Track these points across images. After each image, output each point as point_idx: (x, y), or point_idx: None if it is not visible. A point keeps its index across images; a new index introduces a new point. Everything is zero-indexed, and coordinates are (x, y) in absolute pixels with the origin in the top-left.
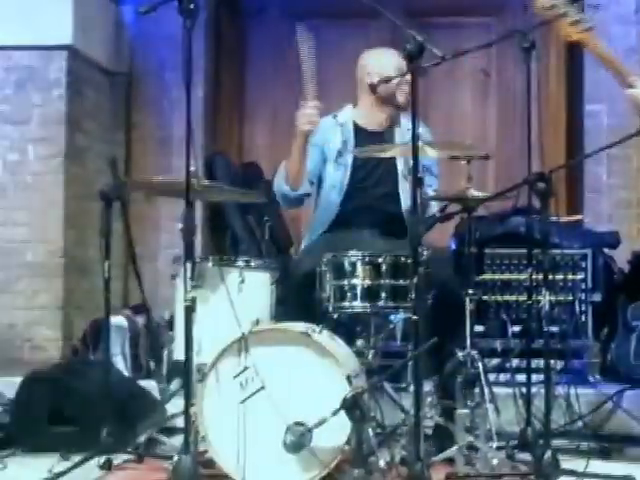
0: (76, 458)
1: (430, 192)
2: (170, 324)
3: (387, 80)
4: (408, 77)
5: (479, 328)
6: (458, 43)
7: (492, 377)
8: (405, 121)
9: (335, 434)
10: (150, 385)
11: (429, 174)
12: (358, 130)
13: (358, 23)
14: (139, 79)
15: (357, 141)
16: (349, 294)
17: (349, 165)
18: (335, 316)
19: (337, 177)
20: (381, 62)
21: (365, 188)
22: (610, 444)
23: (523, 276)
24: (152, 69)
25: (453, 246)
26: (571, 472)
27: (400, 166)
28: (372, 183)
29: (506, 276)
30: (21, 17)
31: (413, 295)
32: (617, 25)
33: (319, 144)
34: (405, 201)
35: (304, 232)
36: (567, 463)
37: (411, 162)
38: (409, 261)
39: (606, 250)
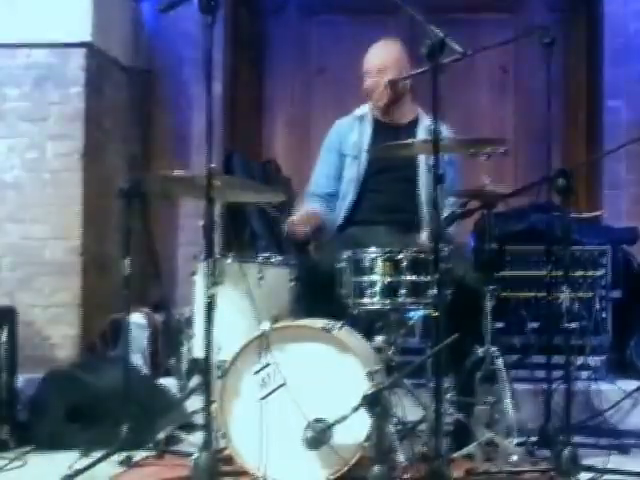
0: (96, 455)
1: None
2: (189, 321)
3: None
4: (379, 79)
5: (499, 324)
6: (475, 40)
7: (512, 373)
8: (424, 118)
9: (355, 430)
10: (169, 382)
11: (452, 171)
12: (377, 124)
13: (376, 19)
14: (157, 76)
15: (375, 135)
16: (369, 291)
17: (365, 159)
18: (355, 312)
19: (353, 172)
20: (366, 57)
21: (381, 183)
22: (629, 440)
23: (543, 272)
24: (170, 66)
25: (473, 242)
26: (591, 468)
27: (422, 163)
28: (389, 178)
29: (526, 272)
30: (40, 14)
31: (433, 291)
32: (636, 22)
33: (334, 148)
34: (425, 197)
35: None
36: (587, 459)
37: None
38: (429, 257)
39: (625, 246)
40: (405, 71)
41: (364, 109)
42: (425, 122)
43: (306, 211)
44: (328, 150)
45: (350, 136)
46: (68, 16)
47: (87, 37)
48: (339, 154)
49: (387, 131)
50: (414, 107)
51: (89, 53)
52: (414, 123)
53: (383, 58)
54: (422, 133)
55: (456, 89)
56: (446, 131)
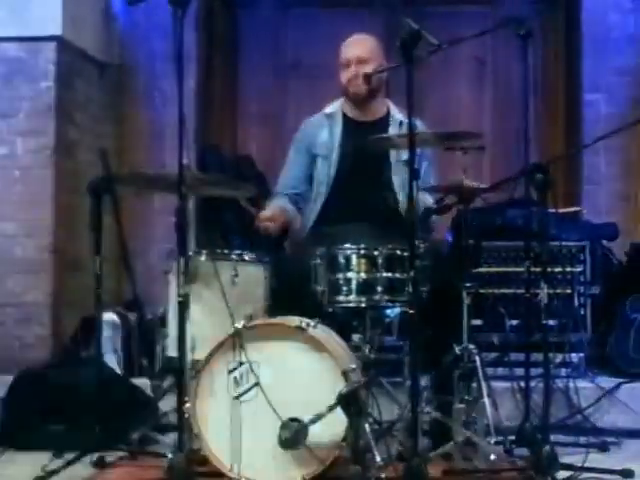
0: (69, 456)
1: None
2: (163, 320)
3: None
4: (359, 69)
5: (476, 322)
6: (453, 31)
7: (490, 371)
8: (396, 112)
9: (331, 430)
10: (143, 383)
11: (426, 165)
12: (348, 122)
13: (351, 12)
14: (130, 71)
15: (346, 133)
16: (344, 288)
17: (335, 158)
18: (330, 310)
19: (324, 170)
20: (344, 48)
21: (354, 180)
22: (609, 438)
23: (521, 269)
24: (143, 60)
25: (450, 238)
26: (569, 466)
27: (393, 157)
28: (361, 175)
29: (504, 269)
30: (8, 8)
31: (409, 289)
32: (615, 14)
33: (304, 148)
34: (400, 193)
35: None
36: (566, 457)
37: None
38: (405, 254)
39: (604, 242)
40: (381, 65)
41: (334, 107)
42: (396, 117)
43: (273, 207)
44: (297, 150)
45: (320, 135)
46: (38, 9)
47: (57, 31)
48: (309, 154)
49: (358, 128)
50: (385, 102)
51: (60, 47)
52: (385, 119)
53: (363, 49)
54: (394, 128)
55: (433, 82)
56: (421, 126)
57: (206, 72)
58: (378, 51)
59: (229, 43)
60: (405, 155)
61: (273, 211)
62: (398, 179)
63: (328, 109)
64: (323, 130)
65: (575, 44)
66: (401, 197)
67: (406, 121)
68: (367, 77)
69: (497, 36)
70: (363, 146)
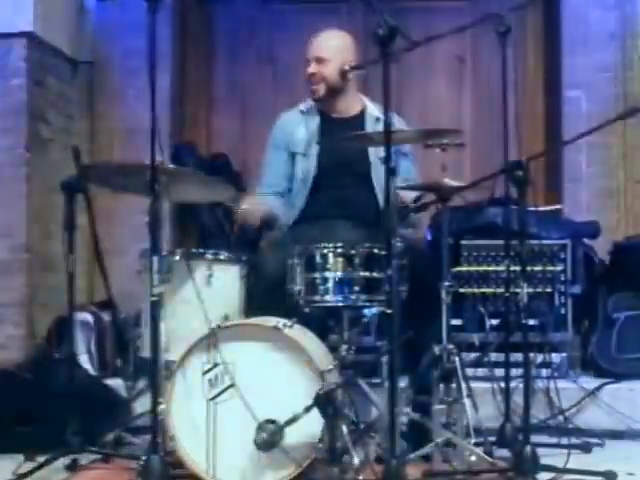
0: (41, 459)
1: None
2: (137, 320)
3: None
4: (317, 69)
5: (456, 321)
6: (432, 28)
7: (470, 372)
8: (372, 108)
9: (308, 432)
10: (117, 383)
11: (407, 161)
12: (324, 118)
13: (328, 7)
14: (103, 67)
15: (323, 130)
16: (321, 287)
17: (315, 155)
18: (307, 310)
19: (303, 168)
20: (309, 45)
21: (333, 178)
22: (591, 439)
23: (501, 268)
24: (117, 57)
25: (429, 237)
26: (551, 468)
27: (372, 154)
28: (341, 172)
29: (483, 268)
30: None
31: (387, 288)
32: (596, 10)
33: (282, 145)
34: (379, 190)
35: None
36: (547, 459)
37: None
38: (383, 253)
39: (586, 241)
40: (349, 63)
41: (309, 103)
42: (373, 113)
43: (257, 200)
44: (275, 148)
45: (297, 132)
46: (8, 5)
47: (28, 27)
48: (287, 152)
49: (335, 124)
50: (360, 98)
51: (31, 43)
52: (361, 114)
53: (323, 49)
54: (370, 124)
55: (412, 79)
56: (397, 122)
57: (181, 68)
58: (343, 50)
59: (204, 39)
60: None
61: (252, 202)
62: (377, 177)
63: (302, 105)
64: (299, 127)
65: (555, 41)
66: (380, 197)
67: (383, 117)
68: (344, 73)
69: (477, 33)
70: (342, 143)
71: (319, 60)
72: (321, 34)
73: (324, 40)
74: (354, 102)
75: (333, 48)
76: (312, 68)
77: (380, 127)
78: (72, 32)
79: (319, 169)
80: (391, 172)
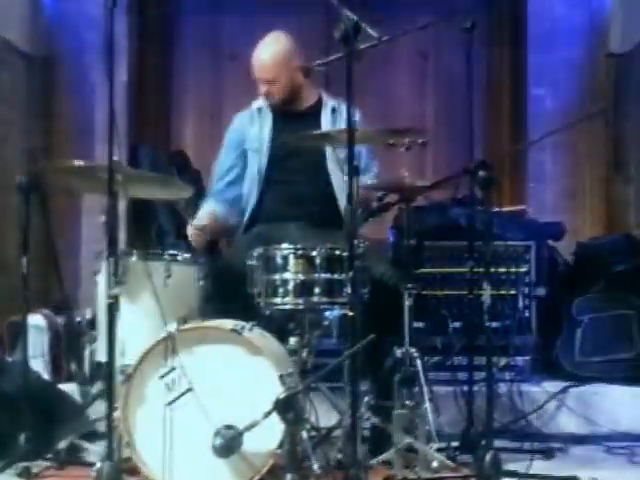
0: None
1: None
2: (92, 323)
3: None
4: (266, 89)
5: (418, 324)
6: (395, 25)
7: (432, 375)
8: (328, 99)
9: (267, 437)
10: (71, 388)
11: (366, 158)
12: (277, 114)
13: (290, 3)
14: (58, 63)
15: (276, 125)
16: (281, 289)
17: (266, 151)
18: (267, 313)
19: (255, 165)
20: (253, 65)
21: (285, 172)
22: (554, 444)
23: (464, 269)
24: (73, 52)
25: (391, 238)
26: (513, 473)
27: (328, 151)
28: (295, 170)
29: (446, 269)
30: None
31: (349, 290)
32: (562, 6)
33: (237, 145)
34: (338, 190)
35: None
36: (510, 464)
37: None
38: (344, 254)
39: (550, 242)
40: (299, 65)
41: (261, 101)
42: (329, 103)
43: (204, 216)
44: (231, 148)
45: (251, 130)
46: None
47: None
48: (240, 149)
49: (288, 119)
50: (315, 91)
51: None
52: (317, 107)
53: (267, 71)
54: (326, 115)
55: (374, 76)
56: (357, 115)
57: (138, 65)
58: (287, 61)
59: (163, 34)
60: (342, 153)
61: (205, 222)
62: (335, 173)
63: (255, 104)
64: (254, 125)
65: (521, 37)
66: (337, 193)
67: (339, 106)
68: (304, 68)
69: (440, 29)
70: (296, 139)
71: (268, 81)
72: (261, 52)
73: (267, 59)
74: (308, 95)
75: (277, 66)
76: (264, 89)
77: (337, 119)
78: (26, 26)
79: (271, 165)
80: (354, 171)
